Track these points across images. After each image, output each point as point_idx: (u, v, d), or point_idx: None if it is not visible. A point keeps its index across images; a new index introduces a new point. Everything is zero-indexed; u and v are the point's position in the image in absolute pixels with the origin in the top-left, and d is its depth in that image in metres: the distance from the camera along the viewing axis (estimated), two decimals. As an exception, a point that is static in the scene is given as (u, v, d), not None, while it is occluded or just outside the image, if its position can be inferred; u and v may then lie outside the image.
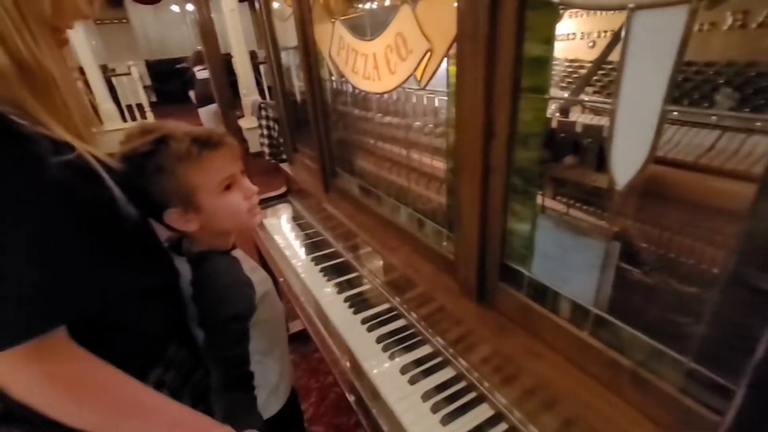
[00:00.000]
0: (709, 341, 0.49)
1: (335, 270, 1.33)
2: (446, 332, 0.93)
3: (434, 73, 0.78)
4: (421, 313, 1.01)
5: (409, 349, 0.97)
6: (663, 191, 0.57)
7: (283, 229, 1.71)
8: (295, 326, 2.03)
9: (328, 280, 1.28)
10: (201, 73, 4.53)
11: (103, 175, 0.60)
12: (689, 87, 0.56)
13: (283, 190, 1.95)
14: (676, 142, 0.58)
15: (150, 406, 0.60)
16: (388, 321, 1.06)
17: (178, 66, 9.14)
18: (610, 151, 0.52)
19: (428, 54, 0.78)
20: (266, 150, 4.52)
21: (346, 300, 1.17)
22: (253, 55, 6.65)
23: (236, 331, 0.75)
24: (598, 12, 0.67)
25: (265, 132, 4.47)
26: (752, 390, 0.37)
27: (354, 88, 1.16)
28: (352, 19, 1.06)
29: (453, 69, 0.72)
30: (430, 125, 0.99)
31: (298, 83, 1.70)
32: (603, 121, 0.63)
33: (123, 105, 5.83)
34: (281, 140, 3.62)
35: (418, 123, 1.03)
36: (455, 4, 0.65)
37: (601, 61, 0.67)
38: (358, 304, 1.14)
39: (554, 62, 0.64)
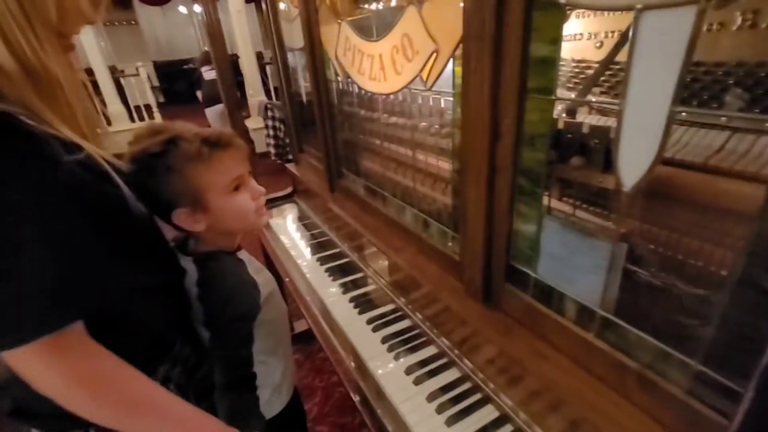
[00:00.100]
0: (717, 343, 0.48)
1: (340, 270, 1.34)
2: (451, 333, 0.93)
3: (440, 74, 0.78)
4: (427, 313, 1.01)
5: (414, 349, 0.97)
6: (671, 192, 0.56)
7: (288, 229, 1.72)
8: (300, 326, 2.04)
9: (334, 280, 1.29)
10: (208, 73, 4.56)
11: (112, 174, 0.61)
12: (698, 87, 0.56)
13: (289, 190, 1.96)
14: (684, 143, 0.57)
15: (161, 404, 0.61)
16: (394, 321, 1.07)
17: (185, 67, 9.22)
18: (617, 153, 0.51)
19: (434, 55, 0.78)
20: (272, 150, 4.54)
21: (351, 300, 1.18)
22: (259, 56, 6.69)
23: (241, 331, 0.76)
24: (606, 12, 0.66)
25: (271, 132, 4.50)
26: (760, 393, 0.37)
27: (360, 88, 1.17)
28: (359, 20, 1.07)
29: (459, 70, 0.72)
30: (436, 126, 0.99)
31: (304, 84, 1.71)
32: (610, 122, 0.63)
33: (131, 106, 5.88)
34: (287, 141, 3.64)
35: (424, 124, 1.03)
36: (461, 5, 0.65)
37: (608, 62, 0.66)
38: (363, 304, 1.15)
39: (561, 62, 0.63)
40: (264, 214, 0.83)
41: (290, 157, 2.07)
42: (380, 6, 1.05)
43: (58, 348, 0.51)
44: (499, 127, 0.66)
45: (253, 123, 5.24)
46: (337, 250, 1.44)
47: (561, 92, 0.70)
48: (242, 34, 5.29)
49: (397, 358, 0.95)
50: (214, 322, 0.75)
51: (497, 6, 0.59)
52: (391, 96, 1.07)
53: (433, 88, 0.84)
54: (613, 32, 0.67)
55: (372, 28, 0.99)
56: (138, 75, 5.89)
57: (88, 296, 0.54)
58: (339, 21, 1.11)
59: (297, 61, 1.71)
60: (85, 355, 0.54)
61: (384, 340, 1.00)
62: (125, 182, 0.64)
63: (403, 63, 0.88)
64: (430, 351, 0.96)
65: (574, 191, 0.69)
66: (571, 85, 0.74)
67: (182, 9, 10.42)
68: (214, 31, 1.70)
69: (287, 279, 1.40)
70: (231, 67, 1.89)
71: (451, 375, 0.89)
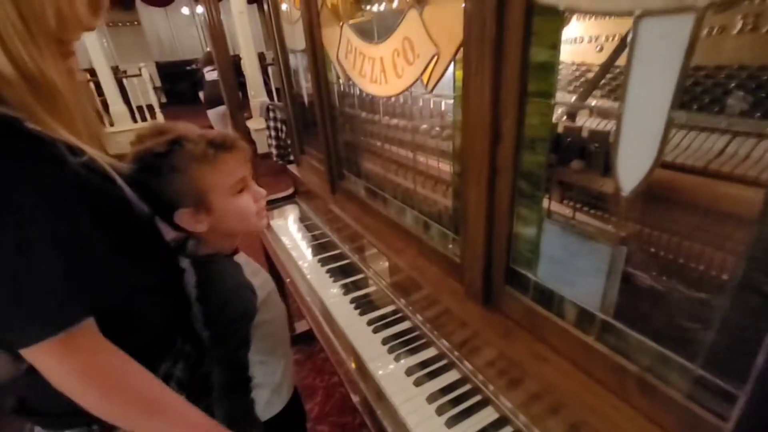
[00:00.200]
0: (717, 347, 0.48)
1: (341, 271, 1.34)
2: (452, 335, 0.93)
3: (441, 77, 0.79)
4: (427, 315, 1.01)
5: (414, 351, 0.97)
6: (672, 196, 0.56)
7: (290, 230, 1.72)
8: (302, 326, 2.04)
9: (335, 281, 1.29)
10: (210, 74, 4.57)
11: (115, 175, 0.62)
12: (699, 91, 0.56)
13: (290, 191, 1.97)
14: (684, 147, 0.57)
15: (168, 403, 0.63)
16: (394, 323, 1.07)
17: (188, 68, 9.26)
18: (616, 157, 0.52)
19: (435, 58, 0.78)
20: (274, 151, 4.55)
21: (352, 301, 1.18)
22: (261, 57, 6.71)
23: (240, 332, 0.77)
24: (606, 16, 0.66)
25: (273, 133, 4.51)
26: (755, 396, 0.37)
27: (361, 91, 1.17)
28: (360, 23, 1.07)
29: (460, 73, 0.72)
30: (437, 128, 0.99)
31: (305, 85, 1.71)
32: (610, 125, 0.63)
33: (134, 106, 5.91)
34: (289, 142, 3.64)
35: (424, 126, 1.03)
36: (462, 9, 0.66)
37: (608, 66, 0.66)
38: (363, 305, 1.15)
39: (561, 66, 0.64)
40: (264, 216, 0.83)
41: (292, 158, 2.07)
42: (382, 9, 1.05)
43: (72, 345, 0.52)
44: (500, 130, 0.67)
45: (255, 124, 5.26)
46: (338, 252, 1.44)
47: (561, 95, 0.70)
48: (244, 35, 5.30)
49: (397, 359, 0.95)
50: (213, 323, 0.76)
51: (498, 10, 0.59)
52: (392, 98, 1.07)
53: (434, 92, 0.84)
54: (613, 36, 0.67)
55: (373, 31, 1.00)
56: (140, 75, 5.91)
57: (97, 294, 0.55)
58: (340, 23, 1.11)
59: (299, 62, 1.72)
60: (98, 351, 0.56)
61: (384, 342, 1.00)
62: (127, 183, 0.65)
63: (404, 66, 0.89)
64: (430, 352, 0.96)
65: (574, 194, 0.69)
66: (571, 89, 0.74)
67: (185, 10, 10.47)
68: (216, 32, 1.70)
69: (288, 280, 1.41)
70: (233, 67, 1.89)
71: (451, 377, 0.89)
